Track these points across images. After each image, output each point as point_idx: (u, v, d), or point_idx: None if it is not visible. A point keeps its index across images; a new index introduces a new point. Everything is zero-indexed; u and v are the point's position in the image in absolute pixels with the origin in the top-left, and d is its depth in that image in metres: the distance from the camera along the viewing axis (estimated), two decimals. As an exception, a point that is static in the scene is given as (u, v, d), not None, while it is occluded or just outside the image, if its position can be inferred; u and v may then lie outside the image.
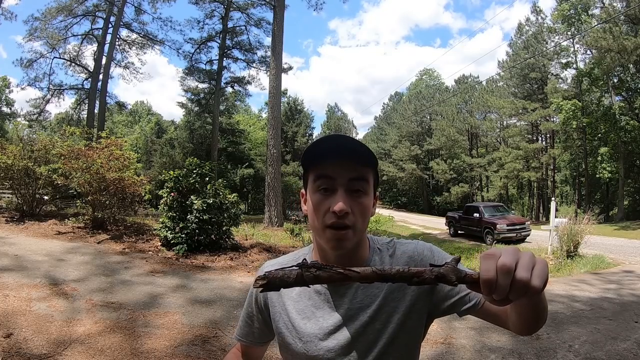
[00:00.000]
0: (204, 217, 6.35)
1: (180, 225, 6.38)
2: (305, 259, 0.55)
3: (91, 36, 20.95)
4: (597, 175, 22.95)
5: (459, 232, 14.94)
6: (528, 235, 12.71)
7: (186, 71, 23.78)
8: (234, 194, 7.30)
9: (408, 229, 19.24)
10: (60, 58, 20.77)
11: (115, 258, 5.71)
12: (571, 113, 21.51)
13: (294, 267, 0.52)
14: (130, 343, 2.99)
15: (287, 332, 0.81)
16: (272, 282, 0.51)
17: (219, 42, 22.88)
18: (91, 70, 21.10)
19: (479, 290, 0.48)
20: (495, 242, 10.51)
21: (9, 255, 5.16)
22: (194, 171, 6.78)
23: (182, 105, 26.74)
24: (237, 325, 0.94)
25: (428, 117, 41.90)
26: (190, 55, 23.02)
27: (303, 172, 0.79)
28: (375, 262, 0.79)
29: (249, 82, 24.25)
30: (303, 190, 0.80)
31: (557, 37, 24.92)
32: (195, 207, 6.31)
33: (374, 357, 0.75)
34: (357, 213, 0.71)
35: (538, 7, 27.64)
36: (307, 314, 0.80)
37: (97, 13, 20.43)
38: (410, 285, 0.50)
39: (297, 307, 0.81)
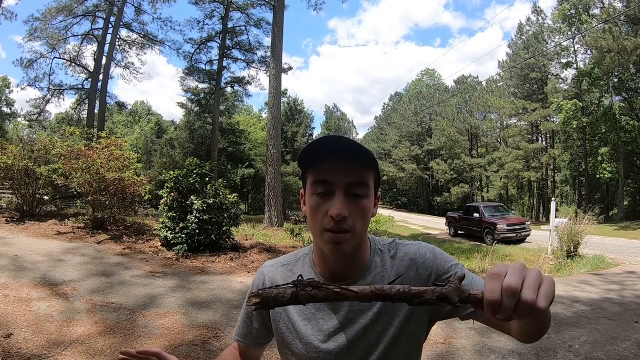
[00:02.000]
0: (204, 217, 6.35)
1: (180, 225, 6.38)
2: (301, 275, 0.53)
3: (91, 36, 20.95)
4: (597, 175, 22.94)
5: (459, 232, 14.94)
6: (528, 235, 12.70)
7: (186, 71, 23.78)
8: (234, 194, 7.30)
9: (408, 229, 19.23)
10: (60, 58, 20.79)
11: (115, 258, 5.71)
12: (571, 113, 21.52)
13: (289, 285, 0.50)
14: (130, 343, 2.99)
15: (287, 333, 0.81)
16: (265, 300, 0.50)
17: (219, 42, 22.88)
18: (91, 70, 21.09)
19: (483, 309, 0.46)
20: (495, 242, 10.50)
21: (9, 256, 5.16)
22: (194, 171, 6.78)
23: (182, 105, 26.74)
24: (235, 327, 0.93)
25: (428, 117, 41.91)
26: (190, 55, 23.03)
27: (301, 172, 0.77)
28: (376, 263, 0.78)
29: (248, 82, 24.27)
30: (302, 191, 0.79)
31: (557, 37, 24.94)
32: (195, 207, 6.31)
33: (374, 359, 0.75)
34: (356, 216, 0.69)
35: (538, 7, 27.70)
36: (307, 315, 0.79)
37: (97, 13, 20.43)
38: (411, 305, 0.48)
39: (297, 308, 0.80)
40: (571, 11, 22.46)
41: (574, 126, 22.52)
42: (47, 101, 21.64)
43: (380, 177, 0.79)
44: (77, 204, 7.99)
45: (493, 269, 0.47)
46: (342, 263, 0.75)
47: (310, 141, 0.71)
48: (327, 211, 0.68)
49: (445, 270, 0.75)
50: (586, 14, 22.18)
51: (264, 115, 38.79)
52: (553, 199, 10.63)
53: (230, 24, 22.54)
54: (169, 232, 6.44)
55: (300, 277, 0.52)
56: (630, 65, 20.24)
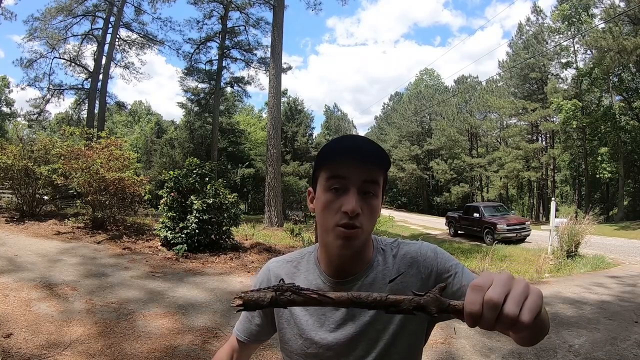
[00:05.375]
0: (204, 217, 6.35)
1: (180, 225, 6.38)
2: (282, 279, 0.55)
3: (91, 36, 20.94)
4: (597, 175, 22.94)
5: (459, 232, 14.93)
6: (528, 235, 12.70)
7: (186, 71, 23.76)
8: (234, 194, 7.30)
9: (408, 229, 19.22)
10: (60, 58, 20.76)
11: (114, 258, 5.71)
12: (571, 113, 21.51)
13: (269, 290, 0.52)
14: (130, 343, 2.99)
15: (288, 328, 0.82)
16: (247, 303, 0.51)
17: (219, 42, 22.87)
18: (91, 70, 21.08)
19: (464, 320, 0.46)
20: (495, 242, 10.50)
21: (8, 256, 5.16)
22: (194, 171, 6.78)
23: (182, 105, 26.75)
24: (238, 320, 0.93)
25: (428, 117, 41.91)
26: (190, 55, 23.03)
27: (314, 169, 0.78)
28: (378, 262, 0.79)
29: (248, 83, 24.28)
30: (310, 188, 0.80)
31: (557, 37, 24.94)
32: (195, 207, 6.31)
33: (374, 357, 0.75)
34: (366, 214, 0.71)
35: (538, 7, 27.69)
36: (309, 310, 0.80)
37: (97, 13, 20.42)
38: (387, 313, 0.48)
39: None
40: (571, 11, 22.45)
41: (574, 126, 22.51)
42: (47, 101, 21.62)
43: (387, 178, 0.81)
44: (77, 204, 7.98)
45: (476, 280, 0.46)
46: (346, 261, 0.76)
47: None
48: (340, 207, 0.70)
49: (446, 269, 0.76)
50: (586, 14, 22.17)
51: (264, 115, 38.79)
52: (553, 199, 10.62)
53: (229, 24, 22.56)
54: (169, 232, 6.44)
55: (281, 282, 0.53)
56: (631, 65, 20.24)
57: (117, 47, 21.99)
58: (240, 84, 24.62)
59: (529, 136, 29.55)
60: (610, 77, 21.64)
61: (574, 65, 24.11)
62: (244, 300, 0.51)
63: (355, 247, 0.72)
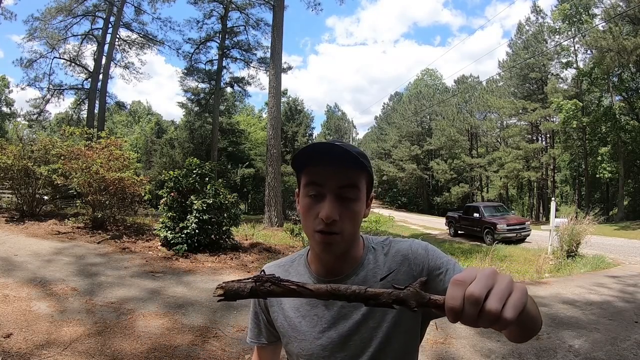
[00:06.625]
0: (204, 217, 6.35)
1: (180, 225, 6.38)
2: (263, 270, 0.55)
3: (91, 36, 20.94)
4: (597, 175, 22.93)
5: (459, 232, 14.92)
6: (528, 235, 12.69)
7: (186, 71, 23.74)
8: (234, 194, 7.30)
9: (408, 229, 19.20)
10: (60, 58, 20.75)
11: (115, 258, 5.71)
12: (571, 113, 21.49)
13: (249, 280, 0.52)
14: (130, 343, 2.99)
15: (283, 331, 0.82)
16: (227, 293, 0.51)
17: (219, 42, 22.87)
18: (91, 70, 21.08)
19: (445, 315, 0.45)
20: (495, 242, 10.49)
21: (8, 256, 5.16)
22: (194, 171, 6.78)
23: (182, 105, 26.74)
24: (247, 328, 0.94)
25: (428, 117, 41.91)
26: (190, 55, 23.02)
27: (296, 173, 0.78)
28: (369, 260, 0.79)
29: (248, 83, 24.26)
30: (297, 190, 0.80)
31: (557, 37, 24.94)
32: (195, 207, 6.31)
33: (369, 355, 0.75)
34: (346, 219, 0.71)
35: (538, 6, 27.69)
36: (301, 312, 0.80)
37: (97, 13, 20.42)
38: (367, 306, 0.49)
39: (292, 305, 0.81)
40: (571, 11, 22.43)
41: (574, 126, 22.51)
42: (47, 101, 21.61)
43: (373, 178, 0.80)
44: (77, 204, 7.99)
45: (458, 275, 0.45)
46: (333, 262, 0.77)
47: (311, 141, 0.72)
48: (318, 213, 0.70)
49: (437, 266, 0.76)
50: (586, 13, 22.17)
51: (264, 115, 38.78)
52: (553, 199, 10.61)
53: (229, 24, 22.55)
54: (169, 232, 6.44)
55: (262, 273, 0.53)
56: (631, 65, 20.24)
57: (117, 47, 22.01)
58: (240, 84, 24.60)
59: (529, 136, 29.54)
60: (610, 77, 21.64)
61: (574, 65, 24.10)
62: (224, 290, 0.51)
63: (335, 251, 0.72)
